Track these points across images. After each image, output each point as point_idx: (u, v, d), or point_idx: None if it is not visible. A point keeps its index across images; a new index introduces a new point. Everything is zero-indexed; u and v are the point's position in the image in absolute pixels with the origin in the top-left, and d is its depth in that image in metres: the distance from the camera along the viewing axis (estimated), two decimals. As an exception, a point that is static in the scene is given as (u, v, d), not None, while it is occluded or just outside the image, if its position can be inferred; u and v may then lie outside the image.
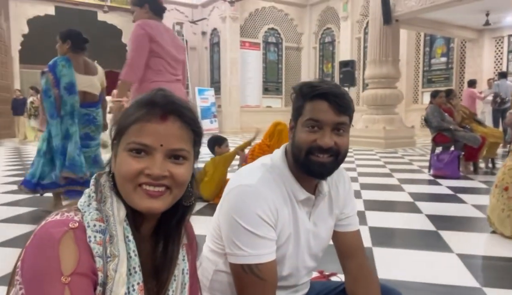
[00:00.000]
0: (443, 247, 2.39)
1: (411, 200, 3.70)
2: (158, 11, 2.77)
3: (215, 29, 15.82)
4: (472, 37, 11.40)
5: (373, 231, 2.70)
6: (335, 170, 0.99)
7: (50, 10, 13.94)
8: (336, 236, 1.12)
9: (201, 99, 14.42)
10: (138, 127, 0.67)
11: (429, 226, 2.82)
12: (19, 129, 12.08)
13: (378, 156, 7.31)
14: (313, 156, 0.94)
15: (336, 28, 15.42)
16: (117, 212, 0.67)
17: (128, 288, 0.64)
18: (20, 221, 3.02)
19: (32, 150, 7.94)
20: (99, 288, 0.62)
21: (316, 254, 1.08)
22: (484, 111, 9.81)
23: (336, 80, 12.42)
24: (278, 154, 1.03)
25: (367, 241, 2.46)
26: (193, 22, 15.68)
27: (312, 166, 0.95)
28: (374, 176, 5.12)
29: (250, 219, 0.90)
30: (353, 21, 14.49)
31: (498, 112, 8.88)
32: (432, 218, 3.03)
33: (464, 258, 2.18)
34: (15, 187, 3.88)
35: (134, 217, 0.70)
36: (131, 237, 0.67)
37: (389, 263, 2.14)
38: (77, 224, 0.63)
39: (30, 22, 13.52)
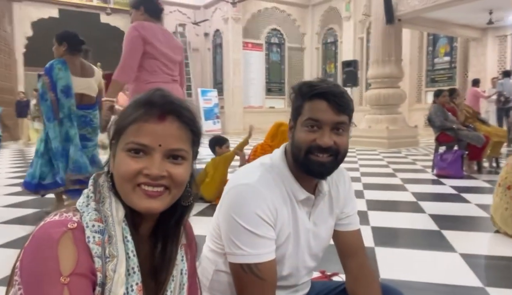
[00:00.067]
0: (446, 246, 2.37)
1: (414, 199, 3.69)
2: (154, 13, 2.79)
3: (217, 30, 15.84)
4: (475, 36, 11.36)
5: (376, 230, 2.69)
6: (335, 170, 0.99)
7: (54, 12, 14.00)
8: (337, 235, 1.12)
9: (204, 101, 14.45)
10: (136, 128, 0.67)
11: (432, 226, 2.81)
12: (23, 132, 12.14)
13: (381, 156, 7.29)
14: (313, 156, 0.94)
15: (339, 28, 15.39)
16: (116, 212, 0.67)
17: (127, 288, 0.64)
18: (24, 222, 3.03)
19: (36, 151, 7.95)
20: (98, 289, 0.62)
21: (316, 254, 1.07)
22: (489, 110, 9.77)
23: (339, 80, 12.39)
24: (277, 154, 1.03)
25: (369, 241, 2.46)
26: (196, 23, 15.70)
27: (311, 166, 0.94)
28: (377, 175, 5.10)
29: (249, 218, 0.90)
30: (356, 21, 14.46)
31: (502, 111, 8.84)
32: (435, 217, 3.02)
33: (467, 257, 2.17)
34: (18, 189, 3.91)
35: (133, 217, 0.70)
36: (129, 237, 0.67)
37: (392, 263, 2.13)
38: (75, 224, 0.63)
39: (34, 24, 13.59)
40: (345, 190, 1.11)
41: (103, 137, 3.46)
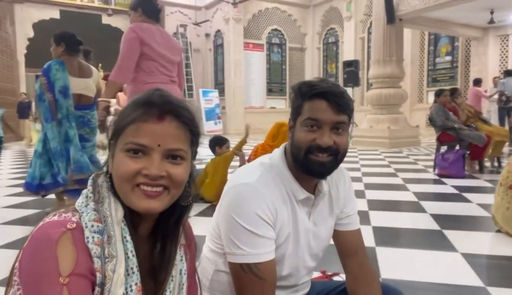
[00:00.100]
0: (448, 246, 2.37)
1: (415, 199, 3.68)
2: (152, 14, 2.80)
3: (218, 31, 15.85)
4: (476, 36, 11.34)
5: (377, 230, 2.69)
6: (335, 169, 0.99)
7: (55, 14, 14.04)
8: (337, 235, 1.12)
9: (205, 101, 14.46)
10: (135, 128, 0.67)
11: (434, 226, 2.81)
12: (24, 133, 12.15)
13: (383, 156, 7.28)
14: (312, 155, 0.94)
15: (340, 28, 15.39)
16: (115, 213, 0.67)
17: (126, 288, 0.64)
18: (25, 223, 3.04)
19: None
20: (97, 289, 0.62)
21: (316, 254, 1.07)
22: (490, 110, 9.75)
23: (340, 80, 12.39)
24: (277, 153, 1.03)
25: (371, 241, 2.45)
26: (197, 24, 15.71)
27: (311, 165, 0.94)
28: (378, 175, 5.09)
29: (248, 218, 0.90)
30: (357, 21, 14.46)
31: (504, 110, 8.82)
32: (437, 217, 3.01)
33: (468, 257, 2.16)
34: (20, 190, 3.92)
35: (132, 217, 0.70)
36: (128, 238, 0.67)
37: (393, 263, 2.12)
38: (74, 224, 0.63)
39: (36, 26, 13.63)
40: (345, 189, 1.11)
41: (102, 138, 3.46)
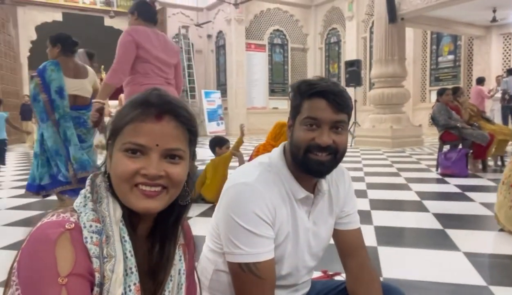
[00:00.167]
0: (450, 245, 2.36)
1: (418, 198, 3.67)
2: (148, 18, 2.85)
3: (220, 31, 15.87)
4: (479, 34, 11.29)
5: (379, 230, 2.68)
6: (334, 168, 0.98)
7: (58, 16, 14.09)
8: (337, 234, 1.11)
9: (207, 102, 14.47)
10: (133, 128, 0.67)
11: (436, 225, 2.80)
12: (27, 135, 12.20)
13: (386, 156, 7.25)
14: (312, 154, 0.93)
15: (342, 28, 15.37)
16: (113, 212, 0.67)
17: (125, 288, 0.64)
18: (28, 224, 3.04)
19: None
20: (96, 289, 0.61)
21: (316, 253, 1.07)
22: (493, 109, 9.71)
23: (342, 80, 12.38)
24: (276, 153, 1.03)
25: (372, 240, 2.45)
26: (199, 25, 15.73)
27: (310, 164, 0.94)
28: (381, 175, 5.08)
29: (247, 217, 0.90)
30: (359, 20, 14.43)
31: (507, 109, 8.79)
32: (439, 216, 3.00)
33: (470, 256, 2.16)
34: (23, 191, 3.93)
35: (130, 217, 0.70)
36: (127, 237, 0.67)
37: (396, 262, 2.12)
38: (73, 225, 0.63)
39: (38, 28, 13.68)
40: (345, 188, 1.11)
41: (102, 138, 3.47)
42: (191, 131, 0.72)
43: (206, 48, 16.68)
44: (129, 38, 2.67)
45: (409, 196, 3.83)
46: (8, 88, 12.52)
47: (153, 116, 0.68)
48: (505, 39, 11.45)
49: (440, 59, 12.60)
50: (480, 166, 5.25)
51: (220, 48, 16.13)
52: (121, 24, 14.94)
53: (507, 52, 11.46)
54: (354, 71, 10.27)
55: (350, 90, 9.51)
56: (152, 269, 0.73)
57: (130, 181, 0.67)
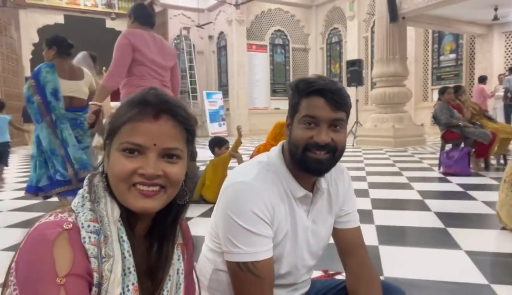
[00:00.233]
0: (452, 244, 2.35)
1: (420, 197, 3.66)
2: (144, 21, 2.87)
3: (221, 32, 15.87)
4: (481, 33, 11.26)
5: (381, 229, 2.67)
6: (333, 167, 0.98)
7: (60, 19, 14.15)
8: (336, 233, 1.11)
9: (209, 103, 14.46)
10: (130, 127, 0.67)
11: (438, 224, 2.79)
12: (30, 137, 12.25)
13: (388, 155, 7.24)
14: (310, 153, 0.93)
15: (343, 28, 15.36)
16: (111, 212, 0.67)
17: (123, 288, 0.64)
18: (30, 226, 3.05)
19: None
20: (94, 289, 0.61)
21: (315, 252, 1.07)
22: (496, 107, 9.68)
23: (344, 80, 12.35)
24: (275, 151, 1.03)
25: (374, 239, 2.44)
26: (200, 26, 15.73)
27: (309, 163, 0.94)
28: (382, 174, 5.07)
29: (246, 216, 0.90)
30: (360, 20, 14.42)
31: (510, 107, 8.76)
32: (441, 215, 2.99)
33: (472, 255, 2.15)
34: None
35: (128, 217, 0.70)
36: (125, 237, 0.67)
37: (397, 261, 2.11)
38: (71, 225, 0.63)
39: (40, 31, 13.73)
40: (344, 187, 1.11)
41: (101, 140, 3.47)
42: (189, 131, 0.72)
43: (207, 49, 16.69)
44: (125, 41, 2.70)
45: (411, 195, 3.82)
46: (11, 91, 12.56)
47: (150, 116, 0.68)
48: (507, 37, 11.41)
49: (442, 58, 12.57)
50: (483, 165, 5.23)
51: (222, 49, 16.14)
52: (122, 26, 14.96)
53: (509, 50, 11.43)
54: (355, 70, 10.26)
55: (352, 90, 9.50)
56: (151, 269, 0.73)
57: (128, 180, 0.67)
